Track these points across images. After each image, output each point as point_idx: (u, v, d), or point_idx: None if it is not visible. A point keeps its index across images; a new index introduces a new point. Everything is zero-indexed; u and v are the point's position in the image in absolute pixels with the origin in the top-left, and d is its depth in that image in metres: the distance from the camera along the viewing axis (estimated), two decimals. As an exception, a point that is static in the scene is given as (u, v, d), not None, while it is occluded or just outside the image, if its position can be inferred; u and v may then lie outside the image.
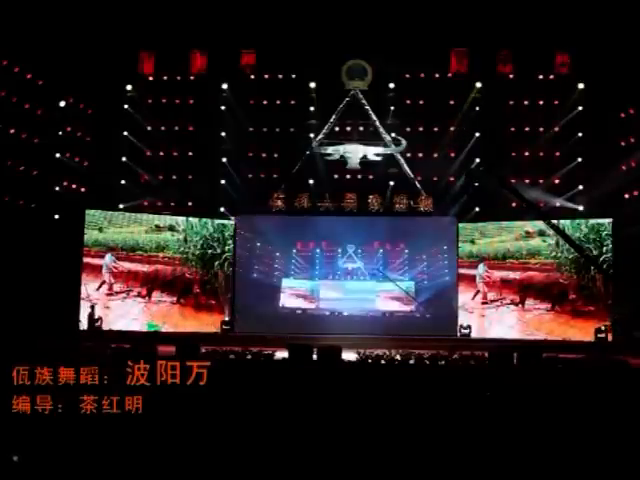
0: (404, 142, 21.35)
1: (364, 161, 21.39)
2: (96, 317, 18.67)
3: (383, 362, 13.64)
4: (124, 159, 21.02)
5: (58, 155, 20.11)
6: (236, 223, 21.32)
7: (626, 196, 19.31)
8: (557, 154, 20.76)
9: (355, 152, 21.32)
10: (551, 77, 20.64)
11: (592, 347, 17.00)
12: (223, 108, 21.32)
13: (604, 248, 18.98)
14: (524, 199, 13.86)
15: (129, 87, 21.12)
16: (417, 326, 19.54)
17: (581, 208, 20.32)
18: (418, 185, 21.22)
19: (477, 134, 20.94)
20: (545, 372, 6.76)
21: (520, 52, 20.02)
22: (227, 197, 21.53)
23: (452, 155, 21.22)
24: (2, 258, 17.28)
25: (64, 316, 18.15)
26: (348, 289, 20.78)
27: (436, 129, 21.25)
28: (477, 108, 20.92)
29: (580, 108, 20.16)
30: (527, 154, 20.88)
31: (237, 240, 21.11)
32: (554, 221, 19.58)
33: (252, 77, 21.31)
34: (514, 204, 20.73)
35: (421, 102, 21.19)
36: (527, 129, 20.95)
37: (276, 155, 21.65)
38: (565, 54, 20.29)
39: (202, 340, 17.46)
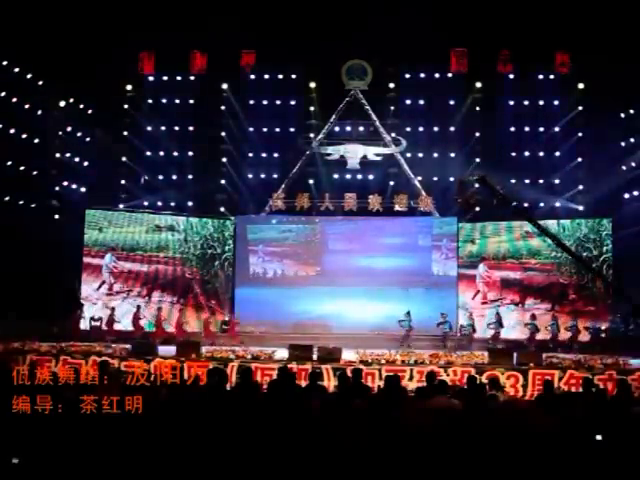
0: (404, 142, 21.36)
1: (364, 161, 21.41)
2: (96, 317, 18.64)
3: (383, 361, 13.67)
4: (124, 159, 21.03)
5: (58, 155, 20.13)
6: (236, 223, 21.35)
7: (626, 196, 19.30)
8: (557, 154, 20.76)
9: (355, 152, 21.33)
10: (551, 77, 20.65)
11: (591, 347, 16.97)
12: (223, 108, 21.34)
13: (604, 248, 18.97)
14: (511, 203, 13.84)
15: (129, 87, 21.14)
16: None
17: (581, 208, 20.33)
18: (418, 185, 21.22)
19: (477, 134, 20.94)
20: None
21: (520, 52, 20.01)
22: (227, 197, 21.56)
23: (452, 155, 21.20)
24: (2, 258, 17.27)
25: (64, 316, 18.15)
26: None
27: (436, 129, 21.25)
28: (477, 108, 20.92)
29: (580, 108, 20.17)
30: (527, 154, 20.88)
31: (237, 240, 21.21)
32: (552, 223, 19.77)
33: (252, 77, 21.33)
34: (514, 204, 20.73)
35: (421, 102, 21.20)
36: (527, 129, 20.96)
37: (276, 155, 21.66)
38: (565, 54, 20.31)
39: (202, 340, 17.54)
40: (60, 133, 20.31)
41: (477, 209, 20.65)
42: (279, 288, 20.91)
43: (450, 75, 21.00)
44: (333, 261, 21.19)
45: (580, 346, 17.10)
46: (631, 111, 19.08)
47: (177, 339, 17.39)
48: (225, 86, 21.37)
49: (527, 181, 20.83)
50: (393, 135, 21.41)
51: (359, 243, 21.17)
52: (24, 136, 18.70)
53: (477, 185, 13.51)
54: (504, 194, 13.88)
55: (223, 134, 21.37)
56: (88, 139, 21.00)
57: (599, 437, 5.55)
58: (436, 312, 19.36)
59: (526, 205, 20.82)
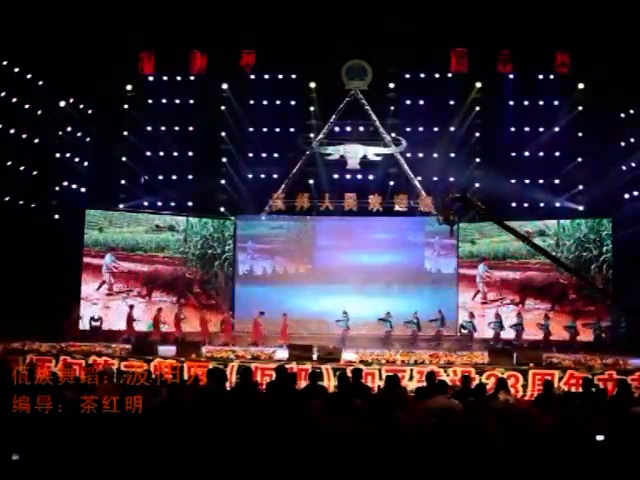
0: (404, 142, 21.34)
1: (364, 161, 21.39)
2: (96, 317, 18.65)
3: (383, 361, 13.66)
4: (124, 159, 21.02)
5: (58, 155, 20.12)
6: (236, 223, 21.35)
7: (626, 196, 19.29)
8: (557, 154, 20.75)
9: (355, 152, 21.33)
10: (551, 77, 20.64)
11: (591, 347, 16.99)
12: (223, 108, 21.32)
13: (604, 248, 18.96)
14: (495, 217, 14.18)
15: (129, 87, 21.13)
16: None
17: (581, 208, 20.33)
18: (418, 185, 21.20)
19: (477, 134, 20.94)
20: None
21: (520, 52, 20.01)
22: (227, 197, 21.55)
23: (452, 155, 21.17)
24: (2, 258, 17.27)
25: (64, 316, 18.15)
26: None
27: (436, 129, 21.24)
28: (477, 108, 20.91)
29: (580, 108, 20.16)
30: (527, 154, 20.87)
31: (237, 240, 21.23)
32: (552, 224, 19.77)
33: (252, 77, 21.32)
34: (514, 204, 20.77)
35: (421, 102, 21.18)
36: (527, 129, 20.95)
37: (276, 155, 21.65)
38: (565, 54, 20.30)
39: (202, 340, 17.55)
40: (60, 133, 20.29)
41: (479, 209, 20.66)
42: (270, 286, 20.84)
43: (450, 75, 20.96)
44: (324, 258, 21.16)
45: (579, 346, 17.14)
46: (631, 111, 19.05)
47: (155, 338, 17.42)
48: (225, 86, 21.34)
49: (527, 181, 20.82)
50: (393, 135, 21.39)
51: (351, 240, 21.16)
52: (24, 136, 18.69)
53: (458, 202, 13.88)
54: (486, 209, 14.12)
55: (223, 134, 21.35)
56: (88, 139, 21.01)
57: (600, 437, 5.54)
58: (431, 309, 19.34)
59: (526, 205, 20.93)
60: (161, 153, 21.50)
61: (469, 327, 18.60)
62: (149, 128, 21.26)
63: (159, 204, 21.61)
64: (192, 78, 21.24)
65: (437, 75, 21.09)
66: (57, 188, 20.30)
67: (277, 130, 21.58)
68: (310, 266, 21.35)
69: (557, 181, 20.68)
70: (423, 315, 19.05)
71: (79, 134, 20.73)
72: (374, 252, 20.82)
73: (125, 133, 21.01)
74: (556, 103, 20.74)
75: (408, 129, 21.39)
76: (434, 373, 8.95)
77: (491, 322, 18.82)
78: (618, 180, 18.96)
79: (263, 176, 21.65)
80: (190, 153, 21.49)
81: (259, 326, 18.59)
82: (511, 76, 20.69)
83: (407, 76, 21.20)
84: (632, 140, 19.16)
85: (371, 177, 21.55)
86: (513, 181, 20.62)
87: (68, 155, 20.43)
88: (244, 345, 17.14)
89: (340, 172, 21.57)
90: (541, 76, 20.67)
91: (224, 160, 21.36)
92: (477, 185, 20.74)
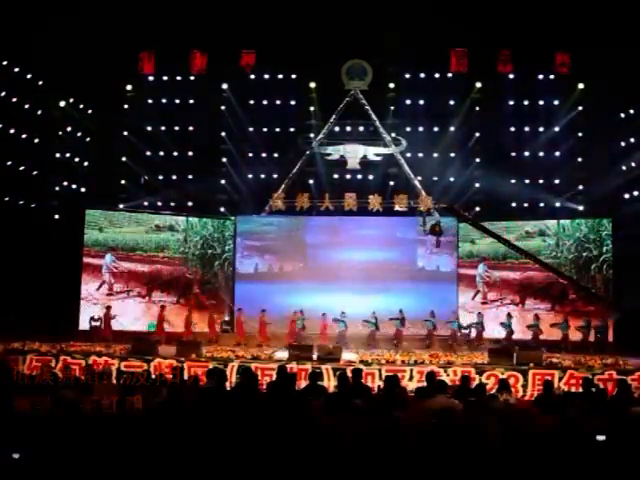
0: (404, 142, 21.35)
1: (364, 161, 21.40)
2: (96, 317, 18.62)
3: (383, 361, 13.67)
4: (124, 159, 21.02)
5: (58, 155, 20.12)
6: (236, 223, 21.35)
7: (626, 196, 19.30)
8: (557, 154, 20.76)
9: (355, 152, 21.33)
10: (551, 77, 20.64)
11: (592, 347, 17.00)
12: (223, 108, 21.33)
13: (604, 248, 18.96)
14: (487, 230, 14.31)
15: (129, 87, 21.13)
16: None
17: (581, 208, 20.33)
18: (418, 185, 21.20)
19: (477, 134, 20.94)
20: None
21: (520, 52, 20.01)
22: (227, 197, 21.55)
23: (452, 155, 21.17)
24: (2, 258, 17.27)
25: (64, 316, 18.15)
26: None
27: (436, 129, 21.24)
28: (477, 108, 20.91)
29: (580, 108, 20.16)
30: (527, 154, 20.88)
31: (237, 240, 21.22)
32: (552, 224, 19.78)
33: (252, 77, 21.32)
34: (514, 204, 20.78)
35: (421, 102, 21.19)
36: (527, 129, 20.95)
37: (276, 155, 21.65)
38: (565, 54, 20.30)
39: (202, 340, 17.54)
40: (60, 133, 20.30)
41: (477, 209, 20.68)
42: (263, 284, 20.76)
43: (450, 75, 20.97)
44: (316, 255, 21.09)
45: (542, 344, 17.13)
46: (631, 111, 19.06)
47: (161, 339, 17.31)
48: (225, 86, 21.34)
49: (527, 181, 20.83)
50: (393, 135, 21.39)
51: (342, 237, 21.05)
52: (24, 136, 18.69)
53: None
54: (472, 218, 14.27)
55: (223, 134, 21.36)
56: (88, 139, 21.01)
57: (600, 437, 5.54)
58: (425, 307, 19.26)
59: (526, 205, 20.94)
60: (161, 153, 21.51)
61: (478, 327, 18.49)
62: (149, 128, 21.27)
63: (159, 204, 21.60)
64: (192, 78, 21.26)
65: (437, 75, 21.09)
66: (57, 188, 20.30)
67: (277, 130, 21.58)
68: (302, 264, 21.29)
69: (557, 181, 20.69)
70: (418, 313, 18.97)
71: (79, 134, 20.74)
72: (366, 249, 20.66)
73: (125, 133, 21.01)
74: (556, 103, 20.74)
75: (408, 129, 21.39)
76: (434, 373, 8.96)
77: (530, 325, 18.63)
78: (618, 180, 18.97)
79: (263, 176, 21.65)
80: (190, 153, 21.49)
81: (294, 325, 18.52)
82: (511, 76, 20.68)
83: (407, 76, 21.20)
84: (632, 140, 19.16)
85: (371, 177, 21.55)
86: (513, 181, 20.63)
87: (68, 155, 20.44)
88: (282, 345, 16.60)
89: (340, 172, 21.57)
90: (541, 76, 20.68)
91: (224, 160, 21.37)
92: (477, 185, 20.76)
